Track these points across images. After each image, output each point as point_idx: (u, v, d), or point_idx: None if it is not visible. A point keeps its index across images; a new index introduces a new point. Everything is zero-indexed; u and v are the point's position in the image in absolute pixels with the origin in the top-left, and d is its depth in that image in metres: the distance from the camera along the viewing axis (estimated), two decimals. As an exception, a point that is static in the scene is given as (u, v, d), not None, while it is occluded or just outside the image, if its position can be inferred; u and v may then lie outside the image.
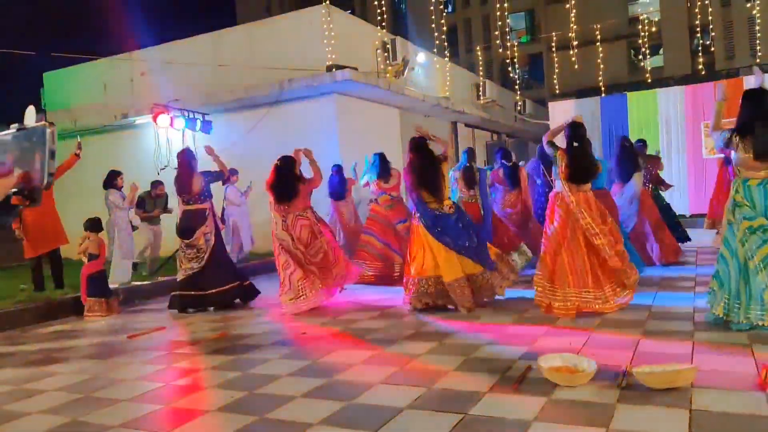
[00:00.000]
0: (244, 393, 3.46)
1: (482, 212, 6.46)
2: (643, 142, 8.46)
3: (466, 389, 3.25)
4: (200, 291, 6.38)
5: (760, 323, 3.79)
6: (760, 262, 3.76)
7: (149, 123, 12.07)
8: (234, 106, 12.06)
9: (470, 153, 6.91)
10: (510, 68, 19.26)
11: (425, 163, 5.30)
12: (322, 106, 11.85)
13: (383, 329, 4.87)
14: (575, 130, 4.88)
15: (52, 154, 5.37)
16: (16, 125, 2.58)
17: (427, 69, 15.21)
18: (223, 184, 9.60)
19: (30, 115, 2.49)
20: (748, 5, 19.60)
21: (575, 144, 4.83)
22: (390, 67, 12.74)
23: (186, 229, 6.51)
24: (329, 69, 11.25)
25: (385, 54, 12.76)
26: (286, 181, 6.03)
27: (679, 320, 4.46)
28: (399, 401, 3.11)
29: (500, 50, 20.84)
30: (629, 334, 4.13)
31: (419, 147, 5.38)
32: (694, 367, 3.13)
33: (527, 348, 3.96)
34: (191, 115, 10.90)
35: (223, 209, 9.61)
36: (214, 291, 6.38)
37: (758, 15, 19.21)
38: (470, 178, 6.55)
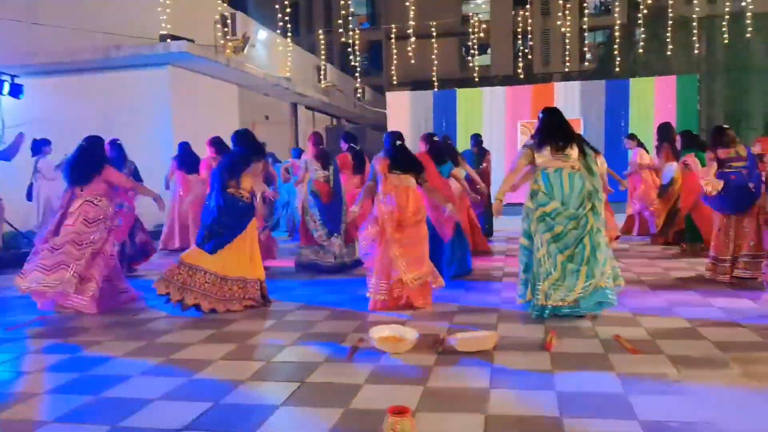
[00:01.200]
0: (77, 374, 3.35)
1: (333, 190, 6.61)
2: (478, 137, 9.35)
3: (303, 360, 3.50)
4: None
5: (547, 303, 4.24)
6: (547, 247, 4.33)
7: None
8: (52, 69, 10.90)
9: (317, 136, 7.06)
10: (350, 54, 19.61)
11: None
12: (154, 78, 11.18)
13: (222, 311, 4.85)
14: (395, 134, 5.29)
15: None
16: None
17: (267, 47, 15.02)
18: (34, 155, 8.68)
19: None
20: (559, 23, 22.08)
21: (398, 143, 5.18)
22: (229, 43, 12.37)
23: None
24: (163, 39, 10.66)
25: (225, 28, 12.34)
26: (87, 161, 5.24)
27: (489, 295, 5.16)
28: (239, 375, 3.26)
29: (342, 38, 21.07)
30: (446, 309, 4.68)
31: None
32: (496, 333, 3.75)
33: (360, 322, 4.32)
34: (-2, 76, 9.65)
35: (31, 184, 8.65)
36: None
37: (568, 30, 21.75)
38: (325, 159, 6.67)
